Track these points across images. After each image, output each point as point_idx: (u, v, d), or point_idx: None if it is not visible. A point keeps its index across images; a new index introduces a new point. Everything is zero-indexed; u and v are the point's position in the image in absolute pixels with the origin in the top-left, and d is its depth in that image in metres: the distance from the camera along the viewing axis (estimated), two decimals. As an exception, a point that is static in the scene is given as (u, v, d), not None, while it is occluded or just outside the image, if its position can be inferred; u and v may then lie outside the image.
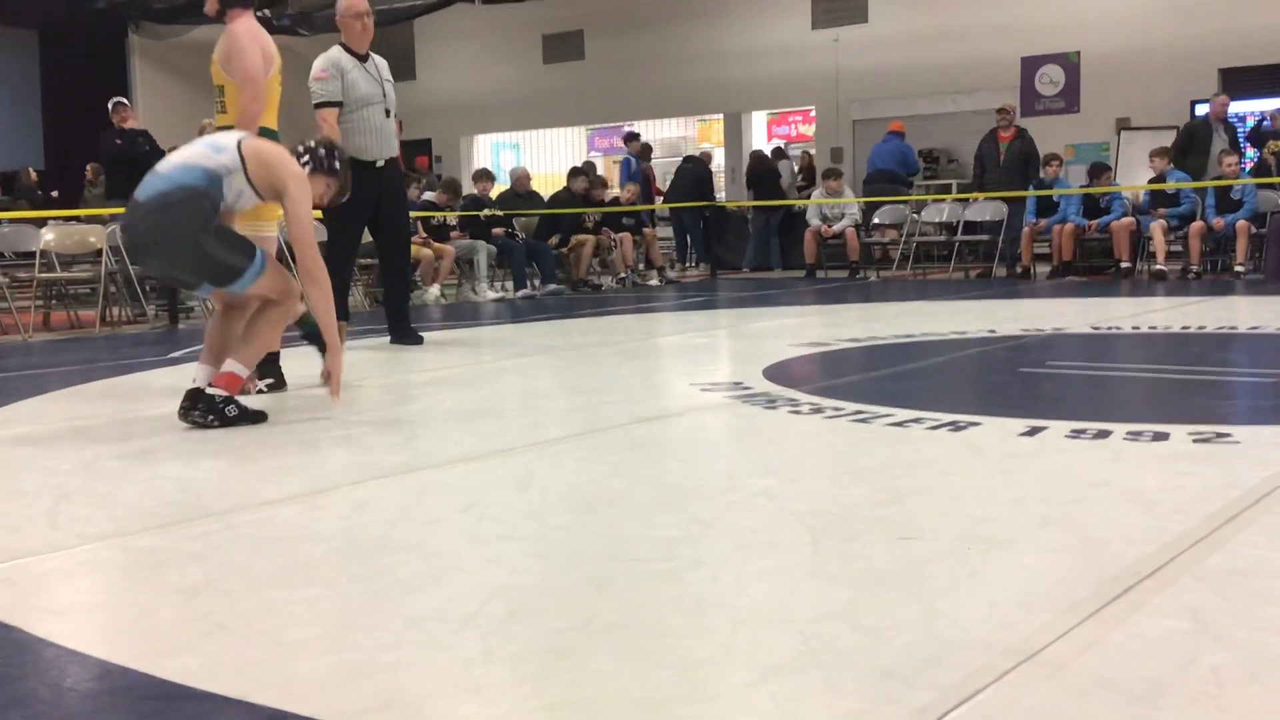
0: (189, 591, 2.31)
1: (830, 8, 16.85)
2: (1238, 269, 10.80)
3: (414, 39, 21.20)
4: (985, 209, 12.70)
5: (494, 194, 12.75)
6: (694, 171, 15.05)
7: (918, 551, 2.44)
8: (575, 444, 3.80)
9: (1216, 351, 6.01)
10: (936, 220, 13.30)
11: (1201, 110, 12.89)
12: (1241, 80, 13.86)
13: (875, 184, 13.80)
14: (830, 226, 13.26)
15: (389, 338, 7.09)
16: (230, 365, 4.27)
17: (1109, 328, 7.00)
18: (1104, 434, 3.63)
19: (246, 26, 5.03)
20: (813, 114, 17.88)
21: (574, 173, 13.28)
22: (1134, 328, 6.97)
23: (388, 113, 6.65)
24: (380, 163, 6.62)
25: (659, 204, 15.38)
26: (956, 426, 3.85)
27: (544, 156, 20.68)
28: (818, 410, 4.27)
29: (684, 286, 12.91)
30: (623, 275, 12.93)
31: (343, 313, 6.78)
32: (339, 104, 6.47)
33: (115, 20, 17.53)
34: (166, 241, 4.13)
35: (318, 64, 6.53)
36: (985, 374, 5.56)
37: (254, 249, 4.22)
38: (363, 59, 6.60)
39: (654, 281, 13.25)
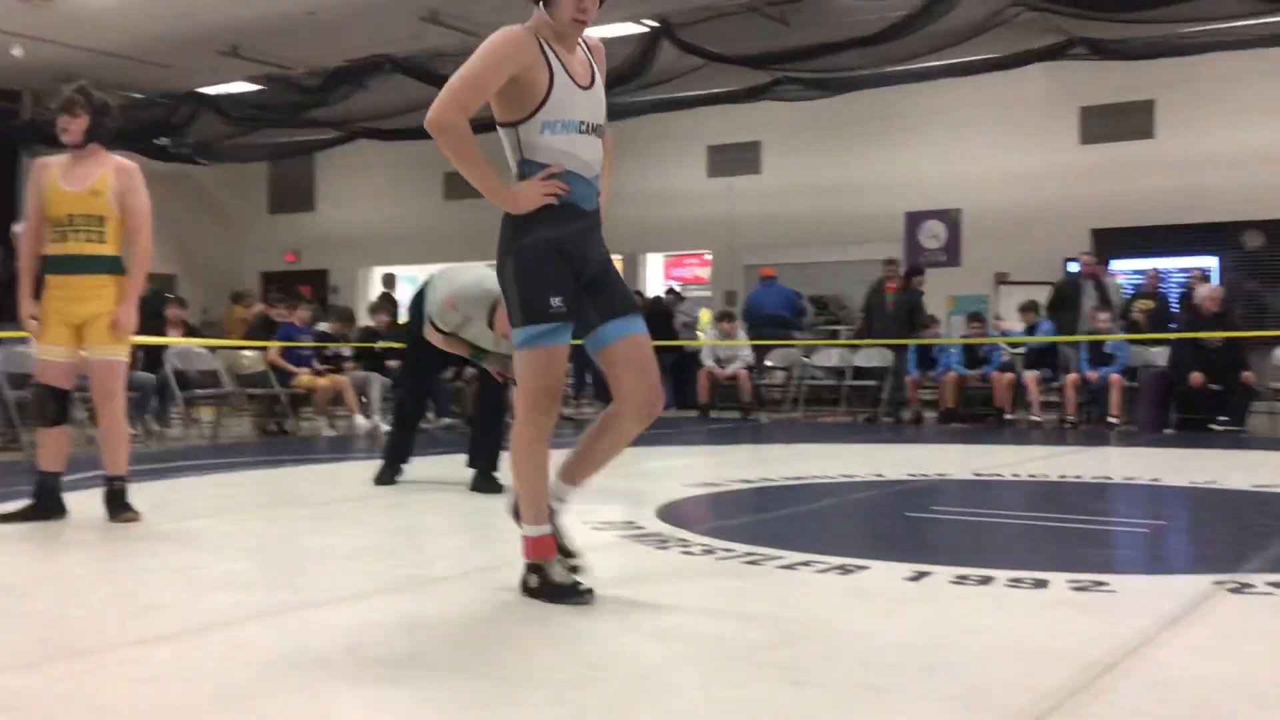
0: (53, 736, 2.20)
1: (724, 158, 17.45)
2: (1111, 420, 11.22)
3: (315, 171, 21.32)
4: (873, 355, 13.06)
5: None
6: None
7: (808, 697, 2.45)
8: (466, 583, 3.74)
9: (1093, 501, 6.20)
10: (826, 365, 13.62)
11: (1073, 268, 13.53)
12: (1111, 241, 14.63)
13: (765, 329, 14.08)
14: (724, 368, 13.48)
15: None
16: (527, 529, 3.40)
17: (990, 475, 7.19)
18: (986, 580, 3.71)
19: (134, 164, 5.08)
20: (708, 257, 18.31)
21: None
22: (1014, 475, 7.17)
23: None
24: None
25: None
26: (845, 570, 3.90)
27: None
28: (709, 551, 4.29)
29: (579, 424, 12.93)
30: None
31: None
32: None
33: (6, 142, 17.31)
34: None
35: None
36: (873, 518, 5.65)
37: (535, 318, 3.27)
38: None
39: (548, 418, 13.24)
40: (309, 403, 11.27)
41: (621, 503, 6.02)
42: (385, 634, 3.04)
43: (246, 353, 11.17)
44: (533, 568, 3.38)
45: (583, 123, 3.30)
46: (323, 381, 10.94)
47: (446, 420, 11.71)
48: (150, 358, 10.26)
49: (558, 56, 3.27)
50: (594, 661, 2.74)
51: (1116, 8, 11.59)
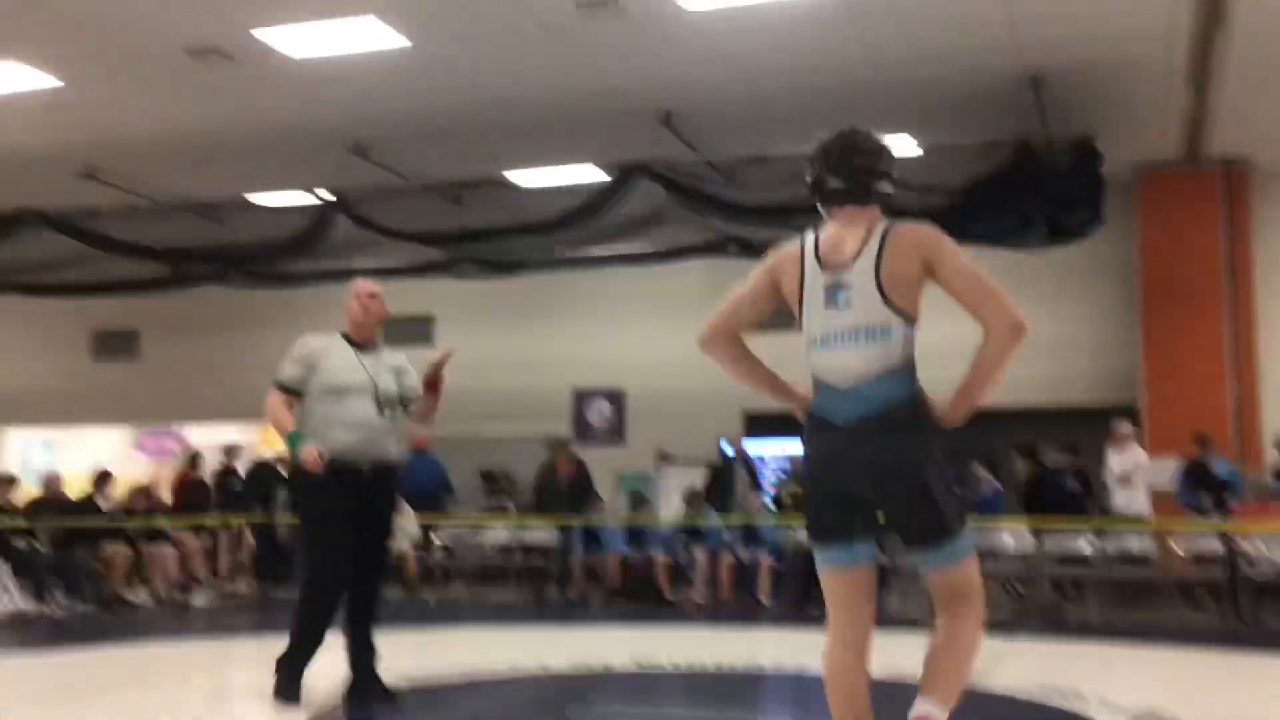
0: None
1: (398, 330, 17.28)
2: (761, 599, 11.79)
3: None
4: (541, 535, 13.18)
5: (17, 498, 11.65)
6: (265, 477, 14.55)
7: None
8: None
9: (745, 692, 6.45)
10: (494, 542, 13.59)
11: (726, 449, 14.31)
12: (761, 423, 15.63)
13: (413, 502, 13.76)
14: (389, 545, 13.15)
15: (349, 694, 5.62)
16: (925, 707, 3.14)
17: (651, 667, 7.33)
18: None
19: None
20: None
21: (102, 477, 12.43)
22: (674, 666, 7.35)
23: (381, 408, 5.56)
24: (366, 468, 5.50)
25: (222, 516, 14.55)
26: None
27: (85, 456, 19.23)
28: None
29: (238, 608, 12.18)
30: (163, 595, 12.01)
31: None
32: (292, 391, 5.52)
33: None
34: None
35: (298, 345, 5.67)
36: (536, 721, 5.63)
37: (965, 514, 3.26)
38: (363, 347, 5.69)
39: (199, 601, 12.40)
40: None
41: (267, 707, 5.69)
42: None
43: None
44: None
45: None
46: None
47: (79, 605, 10.74)
48: None
49: None
50: None
51: (758, 215, 12.67)
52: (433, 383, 5.62)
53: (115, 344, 18.30)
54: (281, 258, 14.00)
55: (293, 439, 5.41)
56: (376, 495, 5.57)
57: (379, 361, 5.69)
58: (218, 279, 14.45)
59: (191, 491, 14.05)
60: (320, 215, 13.68)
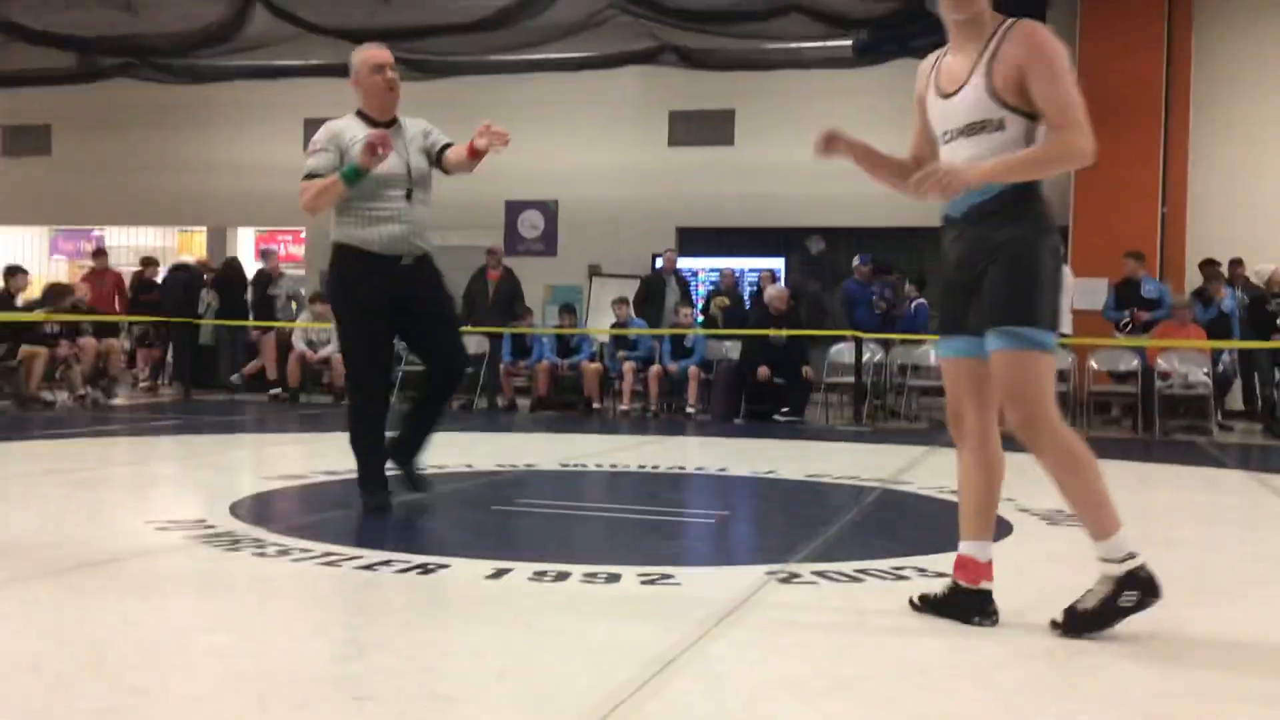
0: None
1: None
2: (689, 410, 11.90)
3: None
4: (470, 343, 13.09)
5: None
6: (184, 280, 14.22)
7: (370, 713, 2.38)
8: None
9: (668, 491, 6.53)
10: (422, 350, 13.49)
11: (659, 264, 14.22)
12: (694, 239, 15.53)
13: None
14: (316, 351, 13.04)
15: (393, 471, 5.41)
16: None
17: (576, 465, 7.40)
18: (563, 576, 3.79)
19: None
20: (303, 235, 17.65)
21: (11, 272, 12.05)
22: (598, 465, 7.42)
23: (409, 194, 4.99)
24: (407, 260, 5.02)
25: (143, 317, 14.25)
26: (426, 569, 3.85)
27: (-2, 256, 18.69)
28: (285, 552, 4.10)
29: (158, 407, 12.05)
30: (82, 393, 11.82)
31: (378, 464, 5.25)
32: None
33: None
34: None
35: (317, 134, 4.99)
36: (459, 511, 5.65)
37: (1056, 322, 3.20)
38: (387, 126, 4.98)
39: (117, 399, 12.24)
40: None
41: (193, 497, 5.68)
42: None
43: None
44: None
45: (945, 133, 3.28)
46: None
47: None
48: None
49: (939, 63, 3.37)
50: (138, 686, 2.52)
51: (702, 20, 12.28)
52: (475, 153, 4.99)
53: (27, 139, 17.54)
54: (197, 50, 13.33)
55: (349, 174, 4.81)
56: (418, 285, 5.10)
57: (405, 138, 5.04)
58: (130, 72, 13.76)
59: (111, 292, 13.72)
60: (238, 6, 12.98)
